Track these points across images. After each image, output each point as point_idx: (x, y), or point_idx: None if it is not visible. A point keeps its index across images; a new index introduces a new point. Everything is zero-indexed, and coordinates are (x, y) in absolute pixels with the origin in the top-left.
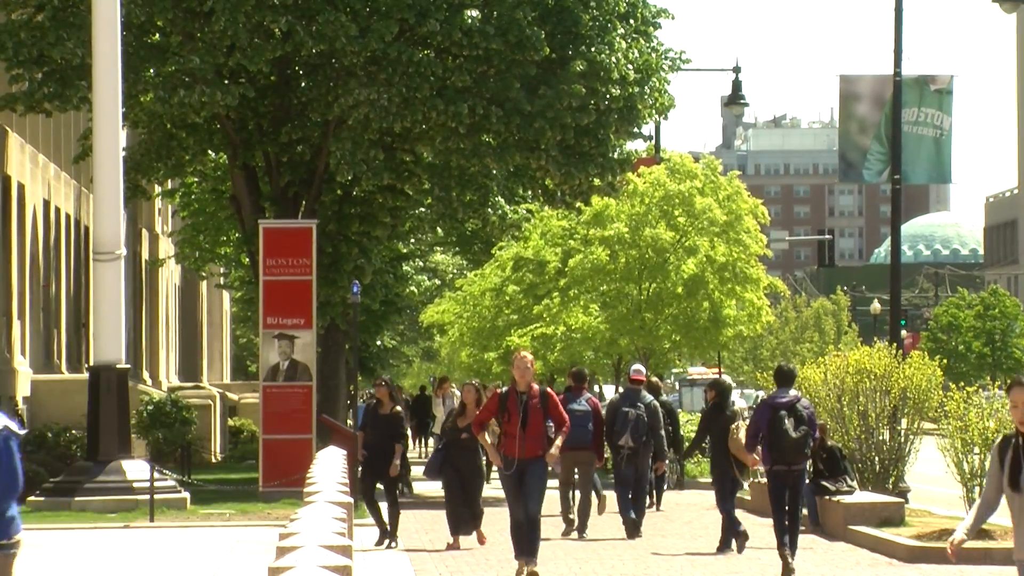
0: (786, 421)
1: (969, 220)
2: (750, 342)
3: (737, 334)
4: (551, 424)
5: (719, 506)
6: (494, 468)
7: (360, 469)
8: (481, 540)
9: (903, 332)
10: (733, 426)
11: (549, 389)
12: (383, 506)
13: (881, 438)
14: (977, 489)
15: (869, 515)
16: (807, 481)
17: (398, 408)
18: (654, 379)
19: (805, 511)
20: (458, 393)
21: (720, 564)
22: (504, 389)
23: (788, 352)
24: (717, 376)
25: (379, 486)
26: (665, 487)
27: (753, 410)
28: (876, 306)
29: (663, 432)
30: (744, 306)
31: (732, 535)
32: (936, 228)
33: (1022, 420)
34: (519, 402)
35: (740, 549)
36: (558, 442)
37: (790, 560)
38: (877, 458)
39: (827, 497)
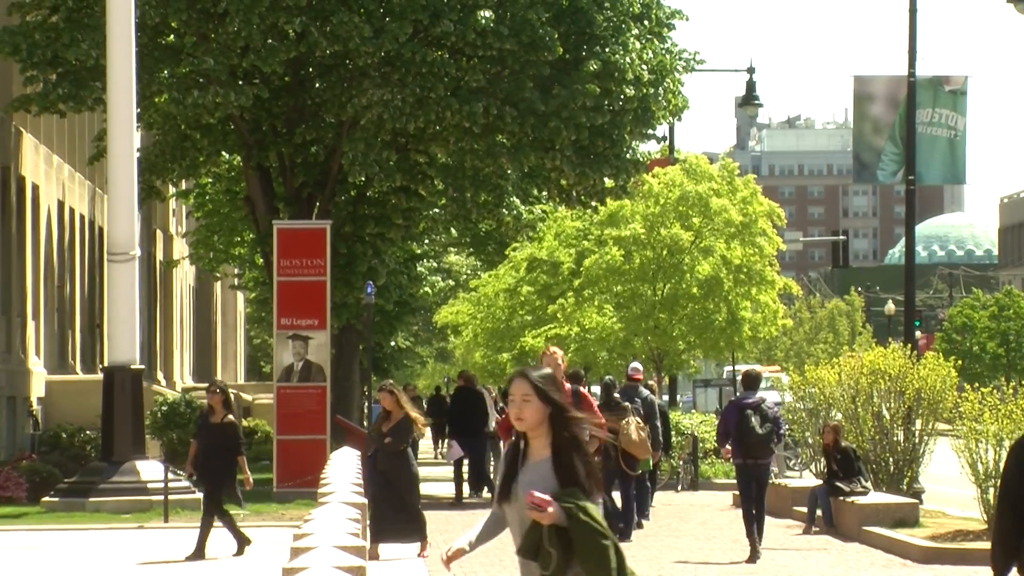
0: (752, 419)
1: (983, 221)
2: (764, 343)
3: (753, 335)
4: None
5: (625, 500)
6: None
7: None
8: (423, 551)
9: (917, 333)
10: (624, 422)
11: (583, 389)
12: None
13: (895, 439)
14: (992, 490)
15: (883, 516)
16: (821, 482)
17: (231, 417)
18: (651, 382)
19: (820, 512)
20: (484, 391)
21: (736, 565)
22: None
23: (802, 353)
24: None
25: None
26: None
27: (721, 412)
28: (890, 307)
29: (658, 424)
30: (759, 308)
31: (627, 522)
32: (950, 229)
33: (517, 416)
34: None
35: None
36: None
37: (758, 546)
38: (891, 459)
39: (841, 498)
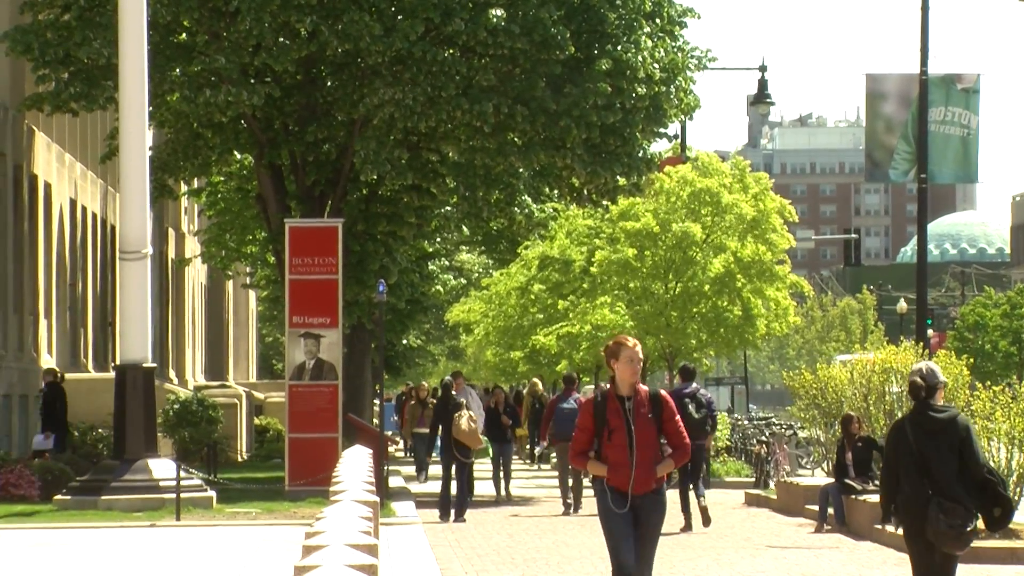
0: (690, 406)
1: (996, 219)
2: (776, 341)
3: (766, 333)
4: (665, 443)
5: (445, 483)
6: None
7: None
8: None
9: (929, 331)
10: (457, 415)
11: (663, 392)
12: None
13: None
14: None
15: None
16: (832, 480)
17: None
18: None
19: (832, 510)
20: (472, 390)
21: (746, 563)
22: (600, 394)
23: (814, 351)
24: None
25: None
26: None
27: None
28: (902, 305)
29: None
30: (770, 305)
31: (460, 504)
32: (963, 227)
33: None
34: (623, 411)
35: (459, 517)
36: (668, 466)
37: (690, 517)
38: None
39: (853, 496)
